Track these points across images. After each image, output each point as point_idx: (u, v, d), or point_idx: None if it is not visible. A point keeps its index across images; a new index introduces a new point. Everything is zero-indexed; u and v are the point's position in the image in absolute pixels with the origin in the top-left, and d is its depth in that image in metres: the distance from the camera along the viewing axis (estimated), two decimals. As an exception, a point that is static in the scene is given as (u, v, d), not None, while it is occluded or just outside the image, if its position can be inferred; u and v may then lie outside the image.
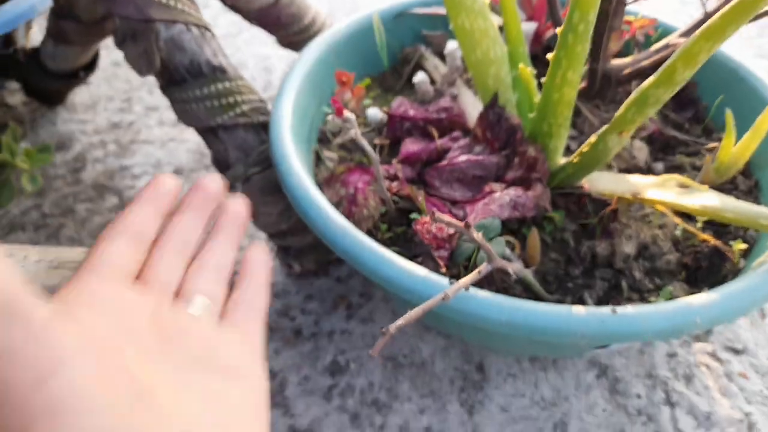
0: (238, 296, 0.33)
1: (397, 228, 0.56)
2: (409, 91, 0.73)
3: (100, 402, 0.21)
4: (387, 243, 0.55)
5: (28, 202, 0.77)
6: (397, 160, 0.62)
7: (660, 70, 0.39)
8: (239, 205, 0.36)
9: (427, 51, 0.73)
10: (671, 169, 0.63)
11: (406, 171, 0.61)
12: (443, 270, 0.47)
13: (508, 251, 0.46)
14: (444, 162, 0.60)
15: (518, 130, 0.54)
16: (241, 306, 0.33)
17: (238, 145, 0.61)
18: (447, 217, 0.37)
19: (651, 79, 0.39)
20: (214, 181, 0.36)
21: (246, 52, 1.02)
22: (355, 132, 0.46)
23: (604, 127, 0.46)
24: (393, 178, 0.59)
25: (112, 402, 0.22)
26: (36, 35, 0.87)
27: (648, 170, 0.63)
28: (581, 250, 0.53)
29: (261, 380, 0.30)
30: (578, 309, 0.41)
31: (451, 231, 0.50)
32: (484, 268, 0.41)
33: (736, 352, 0.61)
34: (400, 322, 0.35)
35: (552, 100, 0.45)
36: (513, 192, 0.50)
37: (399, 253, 0.54)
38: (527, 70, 0.48)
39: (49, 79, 0.85)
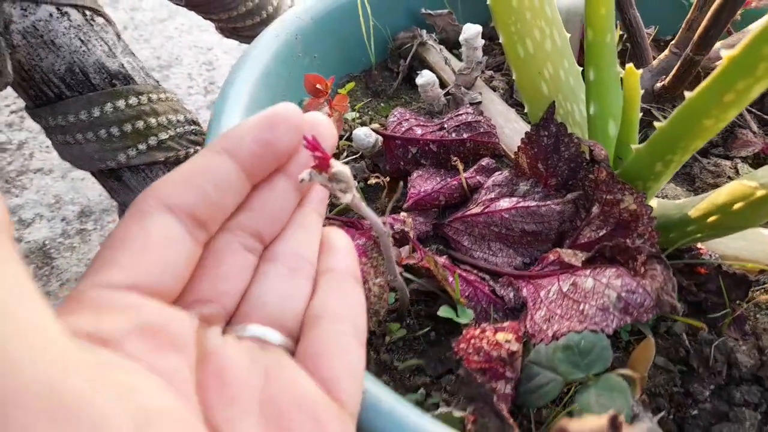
0: (317, 305, 0.24)
1: (410, 320, 0.36)
2: (407, 95, 0.52)
3: None
4: (399, 350, 0.35)
5: None
6: (404, 207, 0.41)
7: None
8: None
9: (429, 37, 0.52)
10: (792, 203, 0.44)
11: (418, 223, 0.40)
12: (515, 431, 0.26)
13: (632, 402, 0.26)
14: (474, 209, 0.39)
15: (602, 166, 0.34)
16: (322, 324, 0.24)
17: (156, 195, 0.39)
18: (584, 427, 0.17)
19: None
20: (329, 128, 0.26)
21: (180, 42, 0.78)
22: (353, 198, 0.25)
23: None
24: (400, 238, 0.38)
25: None
26: None
27: (762, 207, 0.43)
28: (706, 354, 0.34)
29: None
30: None
31: (514, 348, 0.30)
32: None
33: None
34: None
35: (698, 127, 0.25)
36: (618, 281, 0.30)
37: (419, 369, 0.34)
38: (636, 74, 0.28)
39: None
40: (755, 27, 0.21)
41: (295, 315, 0.24)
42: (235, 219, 0.24)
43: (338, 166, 0.25)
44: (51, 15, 0.36)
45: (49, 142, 0.65)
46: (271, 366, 0.22)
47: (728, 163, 0.45)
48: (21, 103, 0.72)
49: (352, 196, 0.25)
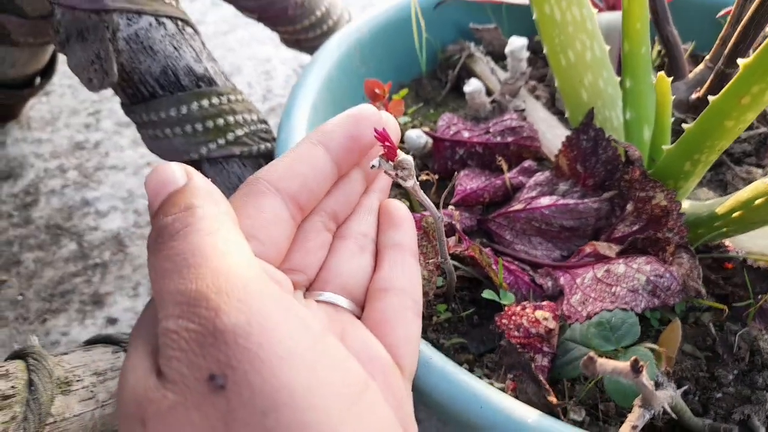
0: (385, 278, 0.28)
1: (455, 305, 0.40)
2: (455, 103, 0.56)
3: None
4: (444, 330, 0.39)
5: (-40, 250, 0.60)
6: (451, 202, 0.45)
7: None
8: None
9: (477, 49, 0.56)
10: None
11: (464, 218, 0.44)
12: (552, 398, 0.30)
13: (657, 373, 0.29)
14: (517, 206, 0.43)
15: (636, 166, 0.37)
16: (388, 297, 0.27)
17: (232, 184, 0.44)
18: (611, 363, 0.20)
19: None
20: (396, 126, 0.29)
21: (240, 53, 0.84)
22: (414, 184, 0.29)
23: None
24: (447, 230, 0.42)
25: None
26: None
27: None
28: (731, 342, 0.36)
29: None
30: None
31: (551, 326, 0.33)
32: (639, 417, 0.25)
33: None
34: None
35: (720, 128, 0.29)
36: (648, 266, 0.33)
37: (463, 347, 0.38)
38: (667, 81, 0.32)
39: (-4, 88, 0.68)
40: (770, 38, 0.24)
41: (362, 285, 0.29)
42: (320, 202, 0.29)
43: (402, 156, 0.29)
44: (150, 24, 0.41)
45: (123, 142, 0.71)
46: (346, 325, 0.26)
47: (760, 171, 0.47)
48: (97, 106, 0.78)
49: (413, 182, 0.30)
